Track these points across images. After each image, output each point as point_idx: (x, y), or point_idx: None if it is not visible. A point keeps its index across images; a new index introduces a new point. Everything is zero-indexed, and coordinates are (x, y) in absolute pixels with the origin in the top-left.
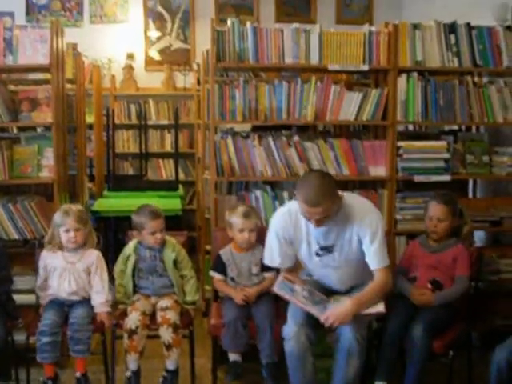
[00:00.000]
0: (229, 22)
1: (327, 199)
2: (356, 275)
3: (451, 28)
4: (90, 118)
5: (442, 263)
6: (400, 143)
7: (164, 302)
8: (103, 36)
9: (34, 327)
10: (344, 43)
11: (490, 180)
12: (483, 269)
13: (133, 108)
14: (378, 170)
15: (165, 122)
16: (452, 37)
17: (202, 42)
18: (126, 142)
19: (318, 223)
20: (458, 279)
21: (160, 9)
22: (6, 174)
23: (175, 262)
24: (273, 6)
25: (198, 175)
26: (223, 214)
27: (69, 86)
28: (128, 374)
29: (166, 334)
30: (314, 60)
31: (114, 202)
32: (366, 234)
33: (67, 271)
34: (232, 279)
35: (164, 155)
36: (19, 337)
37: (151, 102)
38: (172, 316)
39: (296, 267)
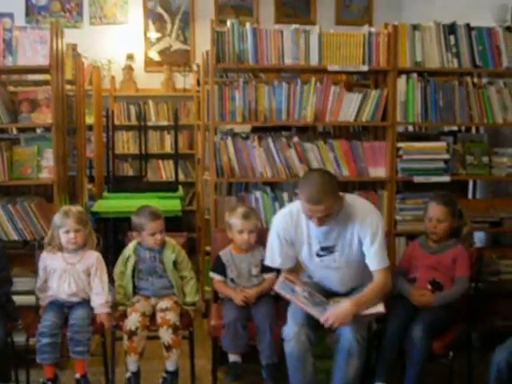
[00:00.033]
0: (228, 23)
1: (329, 197)
2: (356, 276)
3: (451, 29)
4: (89, 119)
5: (442, 264)
6: (400, 144)
7: (164, 303)
8: (103, 37)
9: (34, 328)
10: (344, 44)
11: (490, 181)
12: (483, 269)
13: (132, 109)
14: (378, 171)
15: (164, 122)
16: (451, 38)
17: (202, 42)
18: (126, 143)
19: (320, 222)
20: (458, 280)
21: (160, 10)
22: (6, 174)
23: (175, 263)
24: (272, 7)
25: (198, 176)
26: (223, 215)
27: (68, 86)
28: (128, 375)
29: (165, 335)
30: (314, 61)
31: (113, 203)
32: (366, 234)
33: (67, 272)
34: (232, 280)
35: (164, 156)
36: (19, 338)
37: (151, 102)
38: (172, 317)
39: (297, 268)
